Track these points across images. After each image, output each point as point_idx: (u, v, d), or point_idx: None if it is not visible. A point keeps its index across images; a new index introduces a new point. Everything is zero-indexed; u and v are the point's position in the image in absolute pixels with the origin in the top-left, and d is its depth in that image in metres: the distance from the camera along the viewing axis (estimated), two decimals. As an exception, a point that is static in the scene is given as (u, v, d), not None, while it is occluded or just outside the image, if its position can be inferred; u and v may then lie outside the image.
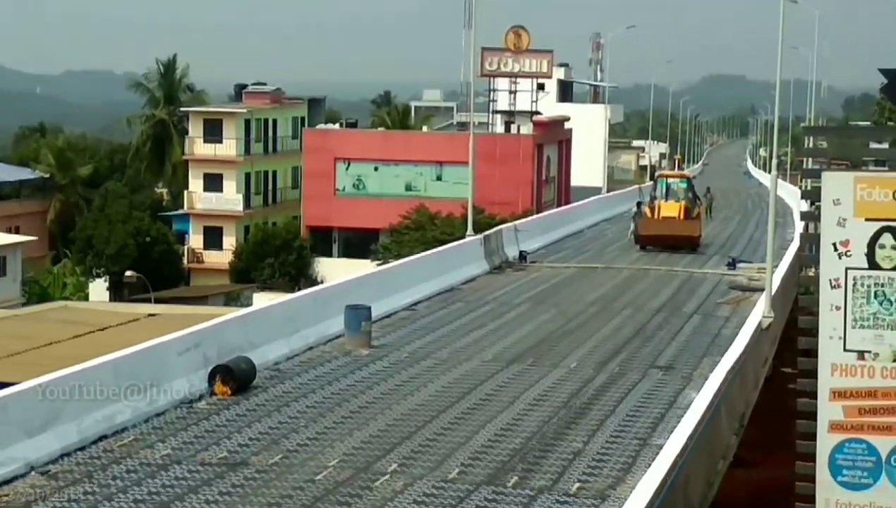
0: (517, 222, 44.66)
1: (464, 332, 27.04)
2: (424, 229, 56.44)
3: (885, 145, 30.71)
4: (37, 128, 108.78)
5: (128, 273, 63.37)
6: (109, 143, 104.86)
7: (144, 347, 20.33)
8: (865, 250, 11.26)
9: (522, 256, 39.11)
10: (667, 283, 35.76)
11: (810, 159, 13.45)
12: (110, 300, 60.23)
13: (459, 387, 21.73)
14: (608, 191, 71.90)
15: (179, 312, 36.21)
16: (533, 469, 17.16)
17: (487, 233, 39.14)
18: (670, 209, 42.94)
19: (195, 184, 78.14)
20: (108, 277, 65.46)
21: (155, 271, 63.46)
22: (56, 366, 19.19)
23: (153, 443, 17.89)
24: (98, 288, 65.27)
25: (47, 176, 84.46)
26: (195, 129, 79.14)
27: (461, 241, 38.19)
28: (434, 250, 37.12)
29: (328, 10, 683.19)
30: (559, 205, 68.51)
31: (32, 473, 16.42)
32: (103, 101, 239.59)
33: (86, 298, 60.90)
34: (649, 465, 15.88)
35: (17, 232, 70.72)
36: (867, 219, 11.28)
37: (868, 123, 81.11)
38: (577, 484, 16.51)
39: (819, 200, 11.68)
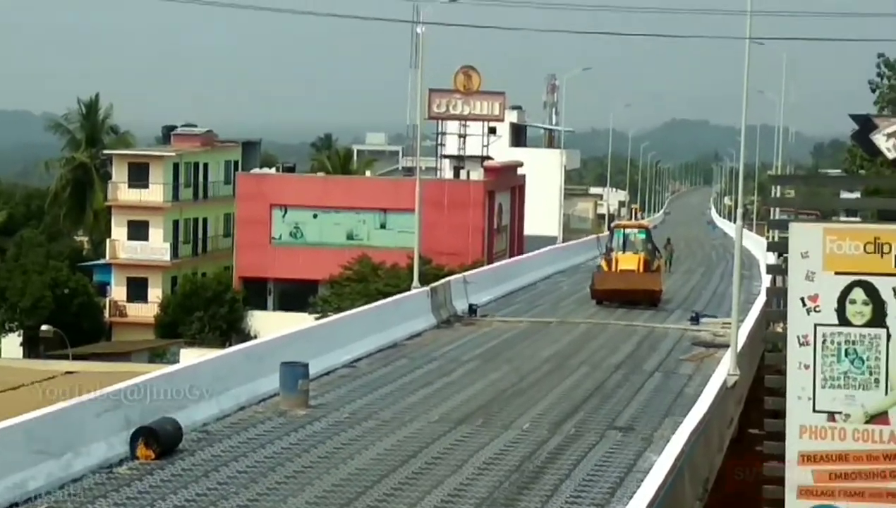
0: (466, 273, 44.70)
1: (409, 391, 26.96)
2: (367, 281, 56.35)
3: (857, 194, 31.22)
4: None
5: (44, 327, 62.60)
6: (25, 188, 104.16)
7: (60, 408, 20.10)
8: (835, 305, 11.39)
9: (472, 310, 39.10)
10: (626, 339, 35.87)
11: (777, 209, 13.59)
12: (24, 356, 59.53)
13: (404, 450, 21.63)
14: (564, 240, 72.26)
15: (99, 370, 35.92)
16: (482, 540, 17.11)
17: (435, 285, 39.11)
18: (628, 262, 42.68)
19: (118, 232, 77.61)
20: (21, 332, 64.77)
21: (73, 325, 62.90)
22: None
23: (68, 513, 17.66)
24: (11, 344, 64.55)
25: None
26: (119, 174, 78.75)
27: (406, 294, 38.20)
28: (377, 303, 37.04)
29: (265, 48, 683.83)
30: (511, 255, 68.67)
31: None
32: (19, 144, 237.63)
33: (-3, 354, 60.17)
34: (607, 534, 15.91)
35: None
36: (837, 273, 11.41)
37: (838, 171, 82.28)
38: (531, 556, 16.50)
39: (787, 252, 11.80)
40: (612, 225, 53.78)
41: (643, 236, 44.57)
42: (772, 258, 36.62)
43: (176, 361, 47.81)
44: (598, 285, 42.49)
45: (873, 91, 72.52)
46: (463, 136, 72.90)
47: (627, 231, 45.30)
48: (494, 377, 29.11)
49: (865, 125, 33.76)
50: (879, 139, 32.72)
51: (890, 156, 32.72)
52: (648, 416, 25.07)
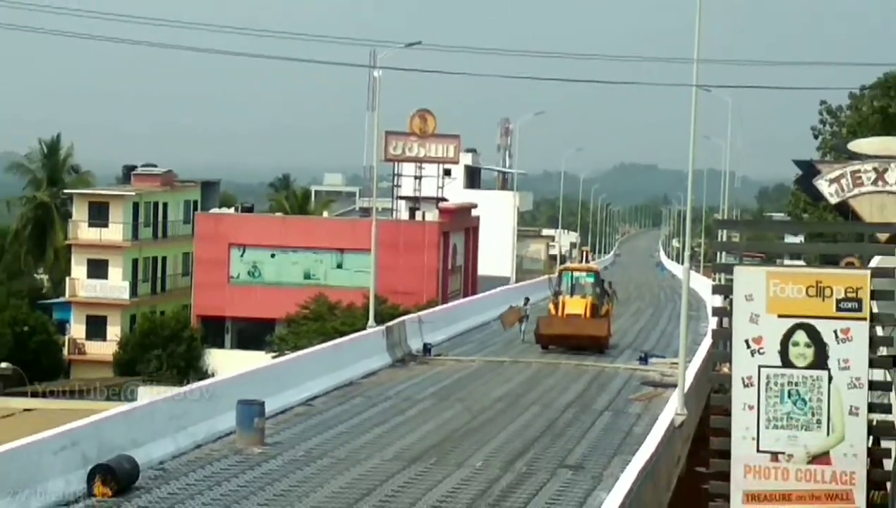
0: (421, 313, 44.69)
1: (364, 429, 26.91)
2: (324, 319, 56.13)
3: (800, 238, 31.51)
4: None
5: (2, 364, 61.92)
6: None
7: (17, 445, 19.95)
8: (779, 348, 11.47)
9: (426, 349, 39.09)
10: (576, 378, 35.95)
11: (723, 252, 13.63)
12: (-16, 393, 58.66)
13: (358, 488, 21.57)
14: (517, 281, 72.36)
15: (57, 407, 35.59)
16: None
17: (390, 324, 39.11)
18: (576, 306, 41.33)
19: (78, 270, 76.99)
20: (-17, 370, 64.00)
21: (32, 363, 62.20)
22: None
23: (25, 550, 17.46)
24: (-29, 381, 63.73)
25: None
26: (79, 213, 78.20)
27: (362, 333, 38.14)
28: (333, 342, 36.97)
29: (224, 89, 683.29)
30: (465, 295, 68.72)
31: None
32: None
33: (-45, 391, 59.36)
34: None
35: None
36: (780, 316, 11.51)
37: (783, 215, 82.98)
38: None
39: (731, 295, 11.90)
40: (561, 267, 52.89)
41: (592, 279, 43.31)
42: (717, 300, 36.86)
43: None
44: (544, 330, 41.06)
45: (816, 137, 73.38)
46: (418, 178, 73.08)
47: (576, 274, 44.16)
48: (448, 415, 29.11)
49: (808, 171, 34.14)
50: (822, 184, 33.07)
51: (832, 201, 33.05)
52: (598, 455, 25.13)
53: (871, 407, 11.31)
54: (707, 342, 35.60)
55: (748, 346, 11.30)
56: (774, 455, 11.19)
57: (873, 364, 11.56)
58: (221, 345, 67.55)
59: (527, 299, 47.94)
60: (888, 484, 11.56)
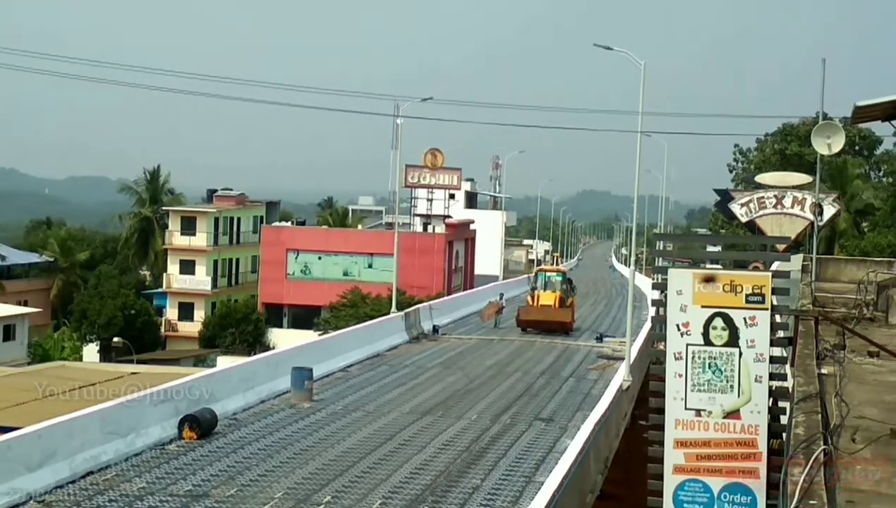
0: (431, 302, 44.69)
1: (387, 390, 26.93)
2: (357, 306, 56.13)
3: (718, 248, 31.40)
4: (44, 222, 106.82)
5: (115, 339, 62.12)
6: (103, 235, 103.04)
7: (126, 400, 20.03)
8: (702, 330, 11.43)
9: (435, 329, 39.09)
10: (548, 353, 35.95)
11: (660, 258, 13.65)
12: (100, 361, 58.82)
13: (382, 434, 21.60)
14: (504, 278, 72.26)
15: (156, 371, 35.58)
16: (440, 502, 17.03)
17: (408, 310, 39.11)
18: (547, 298, 41.23)
19: (172, 268, 77.05)
20: (98, 342, 64.10)
21: (138, 338, 62.41)
22: (52, 415, 18.81)
23: (131, 478, 17.50)
24: (90, 352, 63.83)
25: (52, 260, 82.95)
26: (174, 224, 78.30)
27: (386, 317, 38.17)
28: (365, 324, 36.98)
29: (283, 131, 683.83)
30: (465, 288, 68.59)
31: (31, 502, 15.99)
32: (99, 201, 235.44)
33: (80, 359, 59.42)
34: (533, 498, 15.85)
35: (25, 305, 69.26)
36: (703, 306, 11.47)
37: (705, 230, 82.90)
38: (476, 514, 16.41)
39: (666, 290, 11.87)
40: (537, 269, 52.86)
41: (560, 278, 42.99)
42: (655, 294, 36.87)
43: (213, 366, 47.42)
44: (523, 317, 40.93)
45: (731, 171, 73.50)
46: (430, 200, 72.92)
47: (548, 274, 43.97)
48: (451, 380, 29.12)
49: (725, 197, 34.20)
50: (735, 207, 33.09)
51: (743, 220, 33.03)
52: (564, 410, 25.13)
53: (771, 376, 11.29)
54: (647, 326, 35.62)
55: (678, 329, 11.28)
56: (698, 412, 11.17)
57: (773, 343, 11.53)
58: (280, 325, 67.49)
59: (501, 295, 47.81)
60: (783, 434, 11.53)
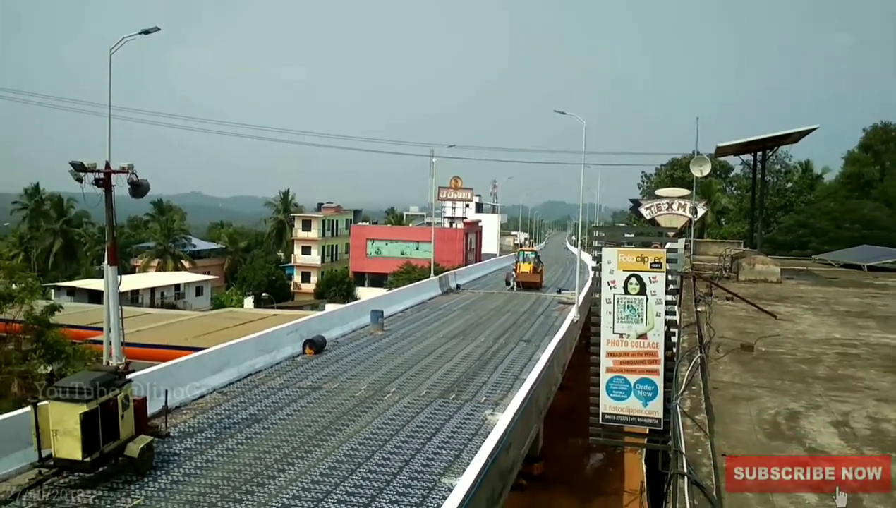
0: (455, 270, 44.56)
1: (429, 323, 26.96)
2: (409, 273, 56.18)
3: (633, 235, 31.10)
4: (218, 224, 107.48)
5: (264, 295, 62.56)
6: (255, 231, 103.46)
7: (271, 331, 20.18)
8: (623, 285, 11.34)
9: (458, 287, 38.96)
10: (527, 300, 35.82)
11: (595, 241, 13.56)
12: (255, 307, 59.31)
13: (426, 351, 21.63)
14: (500, 255, 72.00)
15: (289, 314, 35.85)
16: (462, 391, 17.07)
17: (441, 275, 39.07)
18: (526, 267, 40.86)
19: (297, 251, 77.39)
20: (253, 296, 64.56)
21: (277, 293, 62.87)
22: (226, 339, 18.98)
23: (274, 378, 17.66)
24: (248, 302, 64.26)
25: (224, 247, 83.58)
26: (297, 225, 78.58)
27: (427, 280, 38.17)
28: (414, 284, 37.02)
29: (362, 167, 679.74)
30: (476, 261, 68.45)
31: (214, 392, 16.16)
32: (252, 211, 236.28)
33: (241, 306, 59.96)
34: (520, 388, 15.85)
35: (208, 274, 69.67)
36: (624, 270, 11.38)
37: (624, 224, 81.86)
38: (485, 398, 16.46)
39: (600, 261, 11.78)
40: (518, 249, 52.76)
41: (533, 255, 42.69)
42: (594, 263, 36.53)
43: (323, 310, 47.68)
44: (509, 279, 40.85)
45: (639, 188, 72.63)
46: (454, 208, 72.79)
47: (526, 252, 43.57)
48: (468, 317, 29.07)
49: (636, 204, 33.77)
50: (643, 210, 32.68)
51: (647, 217, 32.61)
52: (538, 335, 25.02)
53: (667, 313, 11.21)
54: (588, 284, 35.46)
55: (609, 285, 11.20)
56: (621, 335, 11.11)
57: (667, 292, 11.44)
58: (363, 285, 67.63)
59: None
60: (674, 348, 11.46)
